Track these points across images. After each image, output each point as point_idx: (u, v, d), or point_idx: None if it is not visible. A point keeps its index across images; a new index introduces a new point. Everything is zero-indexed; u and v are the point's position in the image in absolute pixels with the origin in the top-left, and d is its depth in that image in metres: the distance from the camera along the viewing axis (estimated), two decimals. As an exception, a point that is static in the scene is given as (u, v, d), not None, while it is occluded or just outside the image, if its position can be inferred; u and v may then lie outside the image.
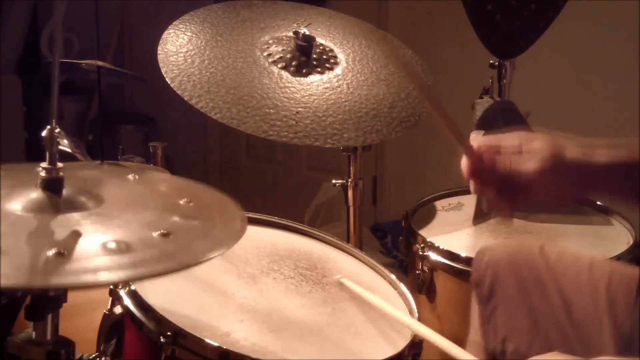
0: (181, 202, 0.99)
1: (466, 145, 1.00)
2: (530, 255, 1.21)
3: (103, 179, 1.03)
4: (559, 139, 0.99)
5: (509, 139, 1.00)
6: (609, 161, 0.97)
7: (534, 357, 0.92)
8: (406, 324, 1.11)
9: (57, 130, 0.93)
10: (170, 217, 0.94)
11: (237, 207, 1.04)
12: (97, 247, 0.84)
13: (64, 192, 0.92)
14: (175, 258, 0.85)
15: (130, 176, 1.07)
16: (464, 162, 1.00)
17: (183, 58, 1.44)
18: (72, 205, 0.91)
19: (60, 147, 0.94)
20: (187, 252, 0.87)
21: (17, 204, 0.89)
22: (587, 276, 1.17)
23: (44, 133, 0.92)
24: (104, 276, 0.79)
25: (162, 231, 0.88)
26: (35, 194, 0.91)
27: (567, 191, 1.01)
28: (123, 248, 0.84)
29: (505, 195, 1.00)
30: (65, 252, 0.81)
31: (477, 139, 1.02)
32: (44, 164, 0.92)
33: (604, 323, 1.11)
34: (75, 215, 0.90)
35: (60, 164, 0.93)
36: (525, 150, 0.98)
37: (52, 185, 0.92)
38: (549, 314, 1.14)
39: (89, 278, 0.79)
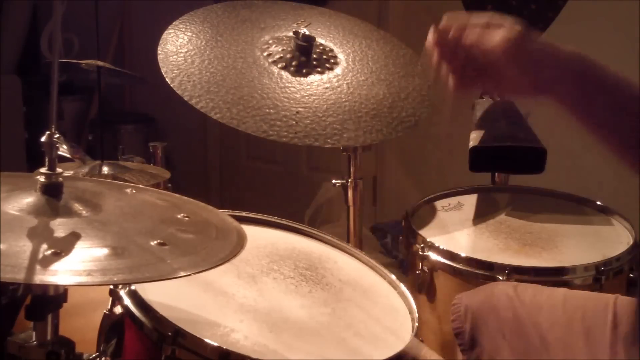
0: (179, 216, 1.00)
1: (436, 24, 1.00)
2: (505, 296, 1.22)
3: (102, 191, 1.04)
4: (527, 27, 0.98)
5: (479, 16, 1.00)
6: (572, 52, 0.96)
7: None
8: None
9: (57, 135, 0.93)
10: (167, 228, 0.95)
11: (235, 224, 1.04)
12: (95, 250, 0.84)
13: (64, 198, 0.93)
14: (171, 265, 0.86)
15: (128, 190, 1.08)
16: (431, 33, 1.00)
17: (183, 58, 1.44)
18: (71, 211, 0.92)
19: (59, 152, 0.95)
20: (184, 261, 0.88)
21: (16, 207, 0.90)
22: (562, 309, 1.18)
23: (43, 138, 0.93)
24: (100, 277, 0.80)
25: (159, 241, 0.89)
26: (35, 198, 0.92)
27: (527, 79, 0.97)
28: (120, 253, 0.85)
29: (467, 71, 0.99)
30: (62, 252, 0.82)
31: (446, 16, 1.01)
32: (44, 169, 0.93)
33: (580, 353, 1.12)
34: (73, 221, 0.90)
35: (59, 169, 0.93)
36: (494, 24, 0.98)
37: (51, 190, 0.93)
38: (528, 354, 1.15)
39: (85, 278, 0.79)
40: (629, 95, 0.95)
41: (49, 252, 0.81)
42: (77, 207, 0.93)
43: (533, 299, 1.21)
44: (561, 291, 1.25)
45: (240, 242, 0.98)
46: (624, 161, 0.95)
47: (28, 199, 0.92)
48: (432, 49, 1.00)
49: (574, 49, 0.96)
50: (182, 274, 0.87)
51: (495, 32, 0.96)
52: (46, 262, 0.80)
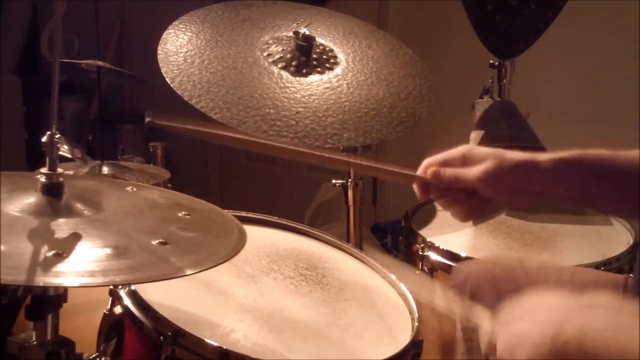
0: (180, 214, 1.00)
1: (412, 174, 1.06)
2: (509, 267, 1.22)
3: (103, 190, 1.04)
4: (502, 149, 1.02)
5: (453, 152, 1.04)
6: (550, 158, 0.98)
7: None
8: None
9: (57, 135, 0.93)
10: (168, 227, 0.95)
11: (236, 221, 1.04)
12: (97, 250, 0.84)
13: (64, 198, 0.93)
14: (174, 264, 0.86)
15: (128, 188, 1.08)
16: (415, 185, 1.06)
17: (183, 58, 1.44)
18: (72, 211, 0.92)
19: (60, 152, 0.95)
20: (185, 260, 0.88)
21: (17, 207, 0.90)
22: (570, 284, 1.17)
23: (44, 138, 0.93)
24: (102, 278, 0.80)
25: (160, 240, 0.89)
26: (36, 198, 0.92)
27: (516, 195, 1.01)
28: (122, 252, 0.85)
29: (463, 204, 1.03)
30: (64, 253, 0.82)
31: (425, 161, 1.06)
32: (44, 169, 0.93)
33: None
34: (74, 221, 0.90)
35: (60, 169, 0.93)
36: (467, 158, 1.01)
37: (52, 190, 0.93)
38: None
39: (88, 279, 0.79)
40: (619, 174, 0.97)
41: (51, 253, 0.81)
42: (78, 206, 0.93)
43: (539, 272, 1.20)
44: (569, 268, 1.24)
45: (241, 240, 0.98)
46: (633, 218, 0.99)
47: (29, 199, 0.92)
48: (421, 197, 1.07)
49: (550, 156, 0.99)
50: (185, 273, 0.86)
51: (470, 168, 0.99)
52: (48, 263, 0.80)
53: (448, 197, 1.03)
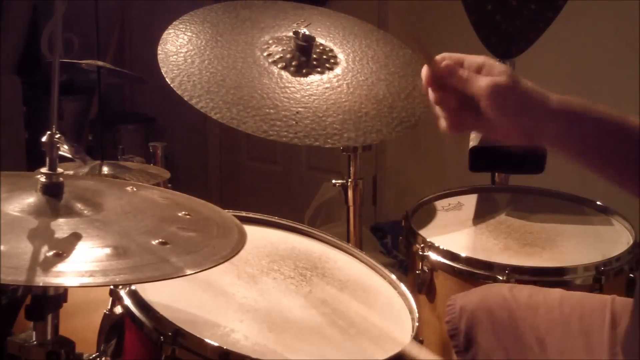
0: (180, 214, 1.00)
1: (430, 56, 1.01)
2: (501, 297, 1.22)
3: (103, 190, 1.04)
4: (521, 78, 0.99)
5: (473, 57, 1.01)
6: (559, 101, 0.96)
7: None
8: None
9: (57, 135, 0.93)
10: (168, 227, 0.95)
11: (236, 221, 1.04)
12: (97, 250, 0.84)
13: (64, 198, 0.93)
14: (174, 264, 0.86)
15: (128, 188, 1.08)
16: (425, 71, 1.01)
17: (183, 58, 1.44)
18: (72, 211, 0.92)
19: (60, 152, 0.95)
20: (185, 260, 0.88)
21: (17, 207, 0.90)
22: (559, 310, 1.18)
23: (44, 138, 0.93)
24: (102, 278, 0.80)
25: (160, 240, 0.89)
26: (36, 198, 0.92)
27: (513, 125, 0.97)
28: (121, 252, 0.85)
29: (460, 112, 0.99)
30: (64, 253, 0.82)
31: (444, 53, 1.02)
32: (44, 169, 0.93)
33: (579, 354, 1.12)
34: (74, 221, 0.90)
35: (60, 169, 0.93)
36: (485, 68, 0.98)
37: (52, 190, 0.93)
38: (524, 355, 1.15)
39: (88, 279, 0.79)
40: (623, 133, 0.96)
41: (51, 253, 0.81)
42: (78, 206, 0.93)
43: (529, 299, 1.21)
44: (557, 292, 1.24)
45: (241, 240, 0.98)
46: (624, 190, 0.97)
47: (29, 199, 0.92)
48: (425, 87, 1.01)
49: (564, 97, 0.97)
50: (185, 273, 0.86)
51: (481, 79, 0.97)
52: (48, 263, 0.80)
53: (448, 98, 0.99)
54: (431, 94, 1.00)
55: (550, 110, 0.96)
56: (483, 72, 0.98)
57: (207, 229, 1.00)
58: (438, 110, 1.01)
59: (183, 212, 1.01)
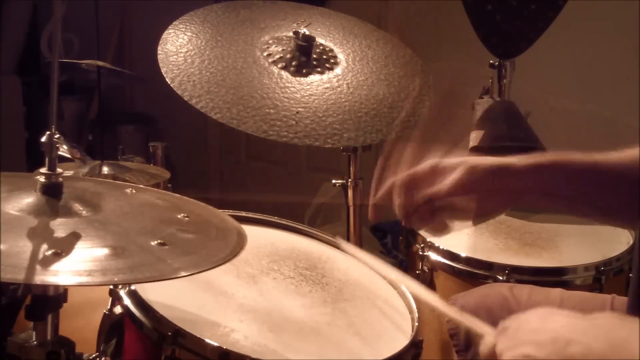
0: (179, 216, 1.00)
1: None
2: (501, 297, 1.22)
3: (102, 191, 1.04)
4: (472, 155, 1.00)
5: (420, 167, 1.01)
6: (524, 161, 0.97)
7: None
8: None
9: (57, 135, 0.93)
10: (167, 228, 0.95)
11: (235, 223, 1.04)
12: (95, 250, 0.84)
13: (63, 199, 0.93)
14: (172, 265, 0.86)
15: (127, 190, 1.08)
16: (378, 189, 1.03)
17: (183, 58, 1.44)
18: (71, 211, 0.92)
19: (60, 152, 0.95)
20: (184, 261, 0.88)
21: (16, 207, 0.90)
22: (559, 307, 1.17)
23: (43, 138, 0.93)
24: (100, 277, 0.80)
25: (159, 241, 0.89)
26: (35, 198, 0.92)
27: (492, 199, 0.99)
28: (120, 252, 0.85)
29: (439, 215, 1.01)
30: (62, 252, 0.82)
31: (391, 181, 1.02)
32: (44, 169, 0.93)
33: None
34: (73, 221, 0.90)
35: (59, 169, 0.93)
36: (439, 170, 0.99)
37: (51, 190, 0.93)
38: None
39: (86, 278, 0.80)
40: (601, 176, 0.97)
41: (50, 252, 0.81)
42: (77, 207, 0.94)
43: (529, 299, 1.21)
44: (558, 292, 1.24)
45: (240, 242, 0.98)
46: (617, 224, 0.98)
47: (28, 199, 0.92)
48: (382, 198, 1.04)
49: (524, 158, 0.97)
50: (183, 273, 0.87)
51: (443, 179, 0.97)
52: (46, 262, 0.80)
53: (425, 215, 1.01)
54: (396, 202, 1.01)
55: (518, 172, 0.96)
56: (437, 173, 0.99)
57: (206, 231, 1.00)
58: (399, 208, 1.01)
59: (182, 214, 1.02)
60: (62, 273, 0.80)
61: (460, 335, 1.21)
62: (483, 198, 0.99)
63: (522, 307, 1.20)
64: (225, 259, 0.92)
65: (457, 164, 0.98)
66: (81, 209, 0.93)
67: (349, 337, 1.08)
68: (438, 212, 1.01)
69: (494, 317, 1.19)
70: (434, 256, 1.51)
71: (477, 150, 1.69)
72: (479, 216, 1.04)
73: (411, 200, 1.00)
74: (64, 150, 0.96)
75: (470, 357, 1.20)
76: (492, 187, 0.97)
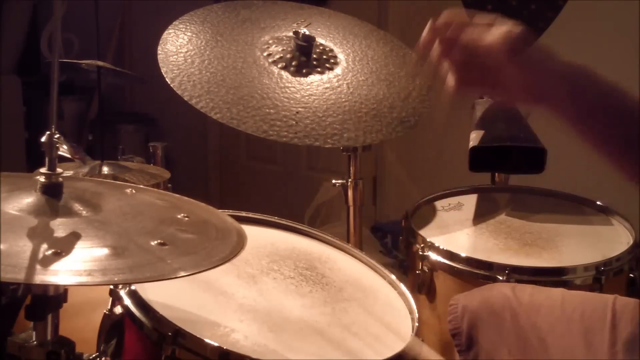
0: (178, 216, 1.00)
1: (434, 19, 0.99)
2: (503, 297, 1.22)
3: (102, 191, 1.04)
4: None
5: (481, 15, 1.00)
6: (568, 62, 0.97)
7: None
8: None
9: (57, 135, 0.93)
10: (167, 228, 0.95)
11: (235, 224, 1.04)
12: (95, 250, 0.84)
13: (63, 199, 0.93)
14: (172, 264, 0.86)
15: (127, 191, 1.08)
16: (428, 28, 1.00)
17: (183, 58, 1.44)
18: (71, 211, 0.92)
19: (60, 152, 0.95)
20: (184, 261, 0.88)
21: (16, 207, 0.90)
22: (560, 310, 1.18)
23: (43, 138, 0.93)
24: (100, 277, 0.80)
25: (159, 241, 0.89)
26: (35, 198, 0.92)
27: (523, 83, 0.96)
28: (120, 252, 0.85)
29: (466, 70, 0.98)
30: (62, 252, 0.82)
31: (446, 12, 1.00)
32: (44, 169, 0.93)
33: (579, 354, 1.12)
34: (73, 221, 0.90)
35: (59, 169, 0.93)
36: (496, 24, 0.97)
37: (51, 190, 0.93)
38: (526, 354, 1.15)
39: (86, 278, 0.80)
40: (627, 107, 0.95)
41: (50, 252, 0.81)
42: (77, 207, 0.94)
43: (531, 299, 1.21)
44: (559, 291, 1.24)
45: (240, 242, 0.98)
46: (621, 172, 0.95)
47: (28, 199, 0.92)
48: (428, 44, 0.99)
49: (571, 60, 0.96)
50: (182, 273, 0.87)
51: (495, 30, 0.95)
52: (46, 262, 0.80)
53: (455, 50, 0.97)
54: (436, 47, 0.98)
55: (558, 70, 0.95)
56: (494, 26, 0.96)
57: (206, 231, 1.00)
58: (443, 65, 0.98)
59: (182, 215, 1.02)
60: (62, 273, 0.80)
61: (462, 336, 1.21)
62: (512, 71, 0.95)
63: (523, 307, 1.20)
64: (225, 259, 0.92)
65: (512, 26, 0.96)
66: (81, 209, 0.93)
67: (349, 337, 1.08)
68: (460, 65, 0.98)
69: (495, 317, 1.20)
70: (434, 256, 1.50)
71: (477, 150, 1.69)
72: (499, 97, 1.00)
73: (456, 45, 0.97)
74: (64, 150, 0.96)
75: (472, 357, 1.20)
76: (531, 67, 0.95)
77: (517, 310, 1.19)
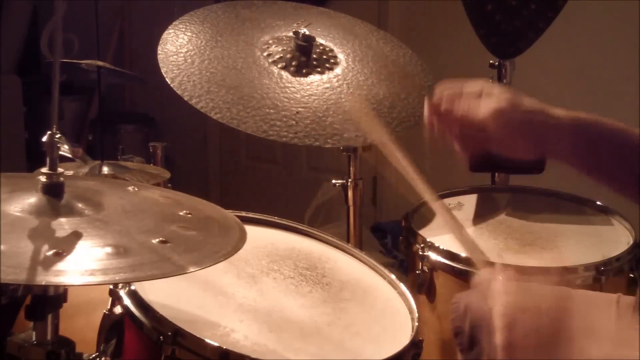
0: (180, 213, 1.00)
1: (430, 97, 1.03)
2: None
3: (103, 189, 1.04)
4: (522, 94, 1.00)
5: (472, 84, 1.02)
6: (564, 115, 0.98)
7: None
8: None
9: (58, 135, 0.93)
10: (169, 226, 0.95)
11: (236, 219, 1.04)
12: (97, 249, 0.84)
13: (65, 198, 0.93)
14: (174, 262, 0.86)
15: (130, 188, 1.08)
16: (426, 105, 1.03)
17: (183, 58, 1.44)
18: (72, 211, 0.92)
19: (60, 152, 0.95)
20: (186, 258, 0.88)
21: (17, 207, 0.90)
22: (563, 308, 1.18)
23: (44, 138, 0.93)
24: (102, 276, 0.80)
25: (161, 238, 0.89)
26: (36, 198, 0.92)
27: (522, 143, 0.99)
28: (122, 251, 0.85)
29: (464, 140, 1.02)
30: (64, 252, 0.82)
31: (440, 86, 1.03)
32: (45, 169, 0.93)
33: (583, 352, 1.12)
34: (75, 220, 0.90)
35: (60, 169, 0.94)
36: (485, 94, 1.00)
37: (52, 190, 0.93)
38: (528, 352, 1.15)
39: (88, 277, 0.79)
40: (630, 145, 0.97)
41: (51, 252, 0.81)
42: (79, 206, 0.93)
43: (533, 297, 1.21)
44: (562, 289, 1.24)
45: (242, 238, 0.98)
46: (626, 198, 0.97)
47: (29, 199, 0.92)
48: (431, 123, 1.04)
49: (566, 112, 0.99)
50: (185, 271, 0.86)
51: (484, 102, 0.98)
52: (48, 262, 0.80)
53: (452, 126, 1.01)
54: (437, 124, 1.02)
55: (557, 125, 0.97)
56: (483, 96, 0.99)
57: (208, 227, 1.00)
58: (448, 139, 1.03)
59: (184, 211, 1.02)
60: (64, 273, 0.80)
61: (464, 334, 1.21)
62: (512, 138, 0.98)
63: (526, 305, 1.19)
64: (227, 255, 0.92)
65: (503, 92, 0.98)
66: (83, 208, 0.93)
67: (349, 337, 1.08)
68: (461, 137, 1.02)
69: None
70: (434, 256, 1.50)
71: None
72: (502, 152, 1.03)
73: (451, 112, 1.01)
74: (64, 150, 0.96)
75: (474, 357, 1.20)
76: (527, 127, 0.98)
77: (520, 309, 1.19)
